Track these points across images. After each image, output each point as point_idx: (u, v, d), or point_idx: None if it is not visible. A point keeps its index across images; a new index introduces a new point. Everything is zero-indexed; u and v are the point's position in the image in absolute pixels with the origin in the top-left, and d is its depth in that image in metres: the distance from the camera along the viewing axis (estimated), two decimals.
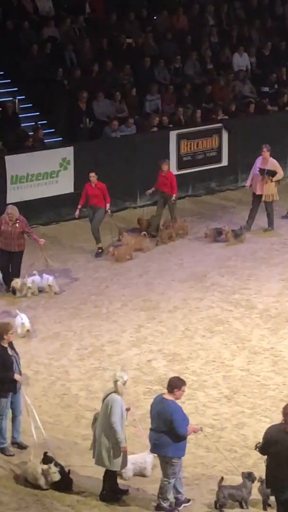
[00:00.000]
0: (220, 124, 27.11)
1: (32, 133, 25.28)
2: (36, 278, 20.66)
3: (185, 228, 23.89)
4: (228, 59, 29.26)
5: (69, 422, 15.45)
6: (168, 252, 23.25)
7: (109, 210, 22.75)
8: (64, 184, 24.65)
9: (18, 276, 20.39)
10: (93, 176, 22.39)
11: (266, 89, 29.07)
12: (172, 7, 30.31)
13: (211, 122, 27.26)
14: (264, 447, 12.51)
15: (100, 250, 22.63)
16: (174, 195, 23.44)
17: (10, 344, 14.56)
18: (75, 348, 17.84)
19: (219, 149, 26.77)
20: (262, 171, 23.26)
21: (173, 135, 26.50)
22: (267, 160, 23.45)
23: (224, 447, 14.53)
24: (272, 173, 23.27)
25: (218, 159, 26.35)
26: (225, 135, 26.97)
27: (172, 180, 23.40)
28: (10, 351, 14.46)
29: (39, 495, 13.97)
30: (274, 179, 23.39)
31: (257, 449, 12.65)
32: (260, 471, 13.22)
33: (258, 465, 13.78)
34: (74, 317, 19.64)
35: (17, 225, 19.94)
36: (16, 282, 20.17)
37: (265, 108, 28.30)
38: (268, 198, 23.47)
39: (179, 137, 26.54)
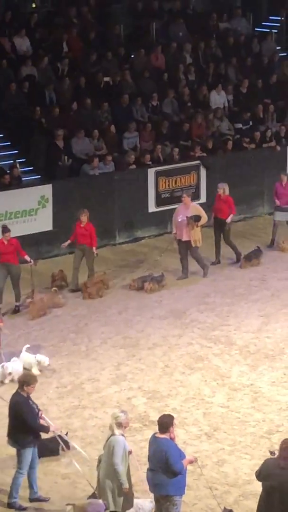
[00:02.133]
0: (198, 161, 27.22)
1: (9, 172, 25.27)
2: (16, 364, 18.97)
3: (106, 281, 23.35)
4: (206, 97, 29.42)
5: (48, 461, 15.42)
6: (158, 296, 23.05)
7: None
8: (43, 222, 24.74)
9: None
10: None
11: (242, 126, 29.15)
12: (149, 45, 30.51)
13: (189, 159, 27.39)
14: (259, 478, 12.65)
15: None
16: (94, 248, 22.79)
17: (28, 396, 14.64)
18: (54, 386, 17.89)
19: (198, 186, 26.90)
20: (187, 218, 23.03)
21: (151, 172, 26.64)
22: (188, 206, 23.29)
23: (204, 485, 14.52)
24: (197, 218, 23.13)
25: (197, 196, 26.42)
26: (203, 172, 27.10)
27: (92, 231, 22.79)
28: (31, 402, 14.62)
29: None
30: (199, 224, 23.25)
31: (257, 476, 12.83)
32: (241, 508, 13.25)
33: (239, 502, 13.92)
34: (53, 354, 19.60)
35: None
36: None
37: (243, 145, 28.39)
38: (195, 243, 23.27)
39: (157, 174, 26.65)
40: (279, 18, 33.94)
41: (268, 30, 33.50)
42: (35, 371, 18.25)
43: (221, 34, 32.20)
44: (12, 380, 18.14)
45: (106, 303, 22.32)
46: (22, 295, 21.73)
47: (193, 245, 23.26)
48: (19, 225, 24.25)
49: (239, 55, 31.66)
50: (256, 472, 12.88)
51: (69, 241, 23.14)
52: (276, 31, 33.50)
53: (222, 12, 33.06)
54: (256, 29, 33.63)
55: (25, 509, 14.58)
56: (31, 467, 14.73)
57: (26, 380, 14.81)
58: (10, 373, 18.32)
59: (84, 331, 20.79)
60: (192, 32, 31.82)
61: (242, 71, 31.00)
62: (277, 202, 25.62)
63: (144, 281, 22.99)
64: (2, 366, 18.45)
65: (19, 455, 14.54)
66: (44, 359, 18.58)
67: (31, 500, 14.70)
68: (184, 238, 23.24)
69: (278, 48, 32.91)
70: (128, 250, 25.65)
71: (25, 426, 14.41)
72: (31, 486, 14.78)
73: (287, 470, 12.44)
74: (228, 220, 24.32)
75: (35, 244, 24.32)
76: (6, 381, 18.21)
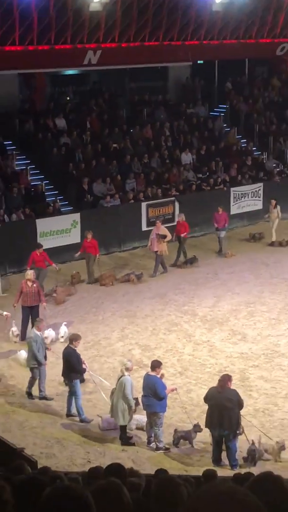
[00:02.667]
0: (173, 198, 27.27)
1: (52, 204, 25.38)
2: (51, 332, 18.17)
3: (114, 275, 23.09)
4: (178, 156, 29.50)
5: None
6: (147, 285, 23.01)
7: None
8: (74, 237, 24.58)
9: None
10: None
11: (202, 175, 29.22)
12: (142, 123, 30.59)
13: (167, 196, 27.39)
14: (205, 400, 13.18)
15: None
16: (98, 255, 22.80)
17: (75, 348, 14.93)
18: (82, 343, 17.88)
19: (173, 214, 26.86)
20: (157, 235, 23.15)
21: (144, 205, 26.63)
22: (159, 228, 23.34)
23: (179, 405, 14.65)
24: (163, 236, 23.19)
25: (172, 220, 26.44)
26: (176, 205, 27.08)
27: (95, 244, 22.67)
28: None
29: (59, 438, 14.00)
30: (165, 240, 23.31)
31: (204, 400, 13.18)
32: (202, 420, 13.42)
33: (200, 416, 13.99)
34: (81, 322, 19.71)
35: (34, 285, 18.45)
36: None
37: (202, 187, 28.47)
38: (161, 253, 23.21)
39: (148, 206, 26.65)
40: (225, 106, 33.91)
41: (218, 114, 33.42)
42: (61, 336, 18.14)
43: (188, 116, 32.12)
44: (51, 341, 17.77)
45: (114, 289, 22.38)
46: (47, 289, 21.33)
47: (159, 254, 23.24)
48: (58, 239, 24.25)
49: (199, 130, 31.63)
50: (204, 397, 13.35)
51: (79, 252, 22.85)
52: (223, 114, 33.42)
53: (189, 102, 32.98)
54: (210, 113, 33.54)
55: (91, 420, 14.66)
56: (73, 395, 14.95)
57: (74, 337, 15.24)
58: (46, 337, 17.21)
59: (101, 307, 20.96)
60: (169, 115, 31.79)
61: (201, 140, 30.99)
62: (216, 225, 25.56)
63: (128, 276, 22.96)
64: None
65: (71, 387, 14.76)
66: (64, 331, 18.10)
67: (67, 415, 14.91)
68: (154, 249, 23.29)
69: (224, 125, 32.84)
70: (122, 256, 25.69)
71: (73, 367, 14.69)
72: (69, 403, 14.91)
73: (222, 394, 12.86)
74: (184, 235, 24.53)
75: (69, 251, 24.06)
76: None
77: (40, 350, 15.34)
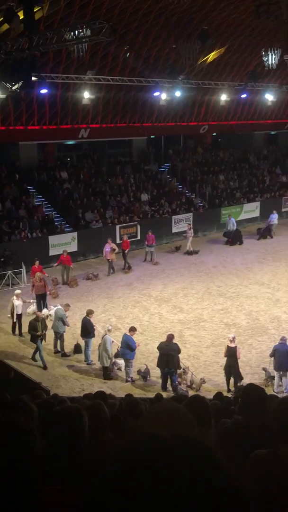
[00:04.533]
0: (136, 222, 27.07)
1: (59, 226, 25.06)
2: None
3: (76, 281, 21.22)
4: (139, 196, 29.37)
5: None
6: (119, 278, 22.62)
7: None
8: (73, 247, 24.18)
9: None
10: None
11: (155, 208, 29.23)
12: (115, 175, 30.16)
13: (132, 221, 27.16)
14: (158, 349, 12.97)
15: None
16: (71, 265, 21.09)
17: (90, 318, 14.47)
18: (78, 314, 17.51)
19: (136, 232, 26.75)
20: (111, 249, 22.16)
21: (117, 227, 26.34)
22: (110, 244, 22.05)
23: (141, 354, 14.54)
24: (113, 249, 22.19)
25: (136, 236, 26.39)
26: (139, 227, 26.92)
27: (69, 258, 21.10)
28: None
29: (64, 375, 13.85)
30: (115, 252, 22.24)
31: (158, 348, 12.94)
32: (154, 362, 13.25)
33: (154, 360, 13.77)
34: (77, 301, 19.30)
35: (41, 282, 17.96)
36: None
37: (154, 216, 28.44)
38: (111, 260, 22.14)
39: (120, 228, 26.40)
40: (168, 164, 33.91)
41: (164, 169, 33.35)
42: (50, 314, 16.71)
43: (145, 171, 31.91)
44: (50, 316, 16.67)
45: (97, 282, 21.88)
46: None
47: (110, 261, 22.28)
48: (62, 249, 23.65)
49: (152, 179, 31.34)
50: (156, 347, 13.23)
51: (57, 263, 21.24)
52: (167, 169, 33.23)
53: (145, 162, 32.76)
54: (159, 169, 33.45)
55: (94, 364, 14.16)
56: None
57: (90, 312, 14.80)
58: (50, 315, 16.48)
59: (90, 292, 20.49)
60: (133, 170, 31.57)
61: (153, 186, 30.86)
62: (146, 243, 24.48)
63: (88, 275, 21.85)
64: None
65: (87, 344, 14.38)
66: (52, 311, 16.39)
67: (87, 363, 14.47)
68: (107, 258, 22.30)
69: (168, 176, 32.67)
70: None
71: (89, 330, 14.34)
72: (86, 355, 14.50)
73: (168, 345, 12.83)
74: (127, 250, 23.03)
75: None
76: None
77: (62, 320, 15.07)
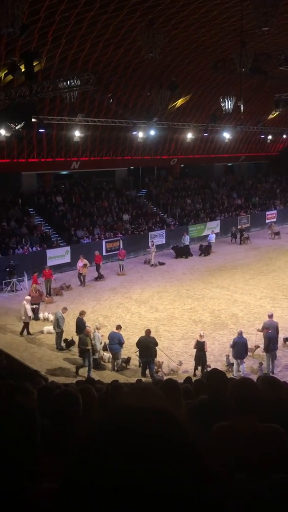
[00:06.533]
0: (119, 238, 26.87)
1: (55, 241, 24.78)
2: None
3: (60, 292, 20.23)
4: (121, 216, 29.14)
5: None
6: (105, 284, 22.33)
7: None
8: (66, 259, 23.93)
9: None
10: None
11: (134, 225, 29.02)
12: (102, 199, 29.95)
13: (116, 237, 26.91)
14: (138, 342, 12.69)
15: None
16: (53, 278, 20.13)
17: (83, 317, 14.12)
18: (71, 314, 17.03)
19: (119, 246, 26.59)
20: (83, 264, 21.42)
21: (104, 242, 26.10)
22: (83, 260, 21.54)
23: (125, 346, 14.30)
24: (85, 264, 21.39)
25: (119, 249, 26.18)
26: (122, 242, 26.71)
27: (51, 272, 20.25)
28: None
29: (60, 366, 13.61)
30: (87, 266, 21.41)
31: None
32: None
33: (136, 351, 13.64)
34: (70, 304, 19.04)
35: (37, 293, 17.67)
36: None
37: (134, 232, 28.25)
38: (84, 273, 21.35)
39: (106, 242, 26.19)
40: (145, 190, 33.77)
41: (142, 194, 33.25)
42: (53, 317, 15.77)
43: (126, 196, 31.76)
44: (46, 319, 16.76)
45: (85, 288, 21.58)
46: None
47: (83, 274, 21.33)
48: (57, 260, 23.59)
49: (132, 203, 31.29)
50: (137, 341, 12.86)
51: (43, 278, 19.89)
52: (144, 194, 33.24)
53: (126, 187, 32.56)
54: (138, 194, 33.29)
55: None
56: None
57: (82, 312, 14.46)
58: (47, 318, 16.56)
59: (81, 295, 20.20)
60: (116, 195, 31.33)
61: (133, 208, 30.68)
62: (119, 257, 24.00)
63: (62, 285, 20.79)
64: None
65: (80, 339, 13.82)
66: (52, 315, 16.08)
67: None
68: (80, 271, 21.58)
69: (145, 200, 32.50)
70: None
71: (81, 329, 13.89)
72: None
73: (147, 339, 12.53)
74: (100, 263, 22.36)
75: (64, 266, 23.53)
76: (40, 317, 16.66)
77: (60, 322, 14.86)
